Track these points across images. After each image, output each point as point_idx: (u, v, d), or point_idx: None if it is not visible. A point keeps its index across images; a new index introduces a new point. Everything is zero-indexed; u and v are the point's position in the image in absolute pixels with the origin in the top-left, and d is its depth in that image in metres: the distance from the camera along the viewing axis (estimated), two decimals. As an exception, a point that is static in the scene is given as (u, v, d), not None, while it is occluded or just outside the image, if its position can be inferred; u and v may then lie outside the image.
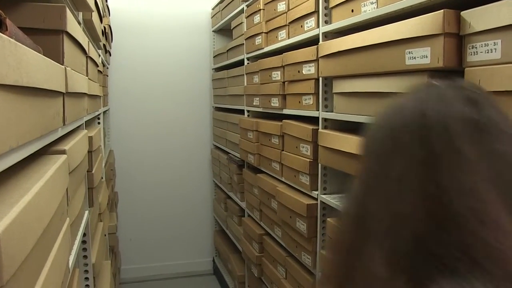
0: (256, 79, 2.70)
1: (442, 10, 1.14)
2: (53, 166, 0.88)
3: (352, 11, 1.64)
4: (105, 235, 2.67)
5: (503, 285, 0.51)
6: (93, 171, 1.68)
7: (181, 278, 3.90)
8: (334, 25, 1.76)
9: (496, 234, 0.52)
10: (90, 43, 1.63)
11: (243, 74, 2.97)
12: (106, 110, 3.57)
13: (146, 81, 3.92)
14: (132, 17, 3.82)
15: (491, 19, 1.03)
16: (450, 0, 1.20)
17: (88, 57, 1.61)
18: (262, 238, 2.66)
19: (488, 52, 1.05)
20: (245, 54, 2.94)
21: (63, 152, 1.05)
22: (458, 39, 1.15)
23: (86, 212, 1.61)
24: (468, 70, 1.10)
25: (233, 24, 3.26)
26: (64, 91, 1.02)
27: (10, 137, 0.59)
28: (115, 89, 3.79)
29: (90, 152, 1.63)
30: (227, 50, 3.45)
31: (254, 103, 2.76)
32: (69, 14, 1.08)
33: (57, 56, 1.03)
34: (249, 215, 3.00)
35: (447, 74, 1.22)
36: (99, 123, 2.64)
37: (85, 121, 2.32)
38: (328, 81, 1.85)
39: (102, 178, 2.62)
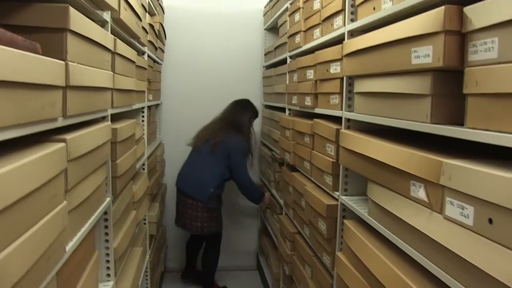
0: (295, 77, 2.69)
1: (443, 6, 1.08)
2: (39, 153, 0.96)
3: (374, 8, 1.60)
4: (144, 223, 2.81)
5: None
6: (117, 161, 1.78)
7: (225, 271, 3.98)
8: (357, 23, 1.71)
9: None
10: (118, 40, 1.72)
11: (286, 73, 2.97)
12: (158, 104, 3.73)
13: (199, 77, 4.04)
14: (187, 14, 3.94)
15: (489, 15, 0.96)
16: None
17: (115, 53, 1.71)
18: (294, 236, 2.65)
19: (486, 51, 0.98)
20: (287, 53, 2.94)
21: (63, 140, 1.14)
22: (462, 37, 1.08)
23: (108, 199, 1.71)
24: (467, 70, 1.03)
25: (279, 22, 3.27)
26: (62, 84, 1.10)
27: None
28: (169, 84, 3.95)
29: (114, 143, 1.74)
30: (275, 48, 3.46)
31: (293, 102, 2.75)
32: (74, 13, 1.16)
33: (60, 52, 1.12)
34: (285, 213, 3.00)
35: (448, 75, 1.16)
36: (143, 116, 2.77)
37: (131, 113, 2.46)
38: (352, 80, 1.81)
39: (143, 169, 2.75)
